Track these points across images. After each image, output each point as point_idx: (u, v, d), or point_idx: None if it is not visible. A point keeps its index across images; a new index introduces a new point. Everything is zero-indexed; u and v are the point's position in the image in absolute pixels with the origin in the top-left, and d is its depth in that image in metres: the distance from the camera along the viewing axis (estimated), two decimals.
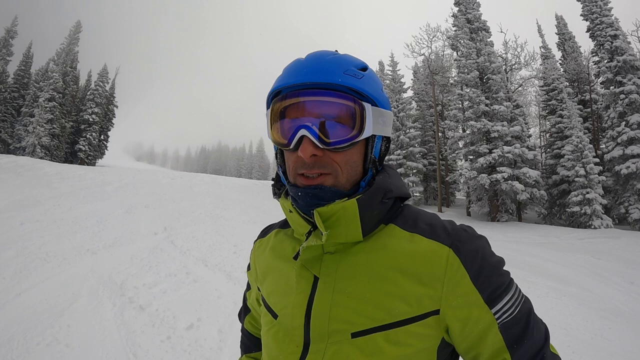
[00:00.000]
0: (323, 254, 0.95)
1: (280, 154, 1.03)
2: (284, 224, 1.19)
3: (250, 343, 1.40)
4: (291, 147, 0.91)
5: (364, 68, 0.97)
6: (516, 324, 0.86)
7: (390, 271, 0.88)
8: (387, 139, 1.04)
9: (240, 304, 1.46)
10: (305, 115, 0.89)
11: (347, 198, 0.91)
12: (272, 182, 1.08)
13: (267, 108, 0.99)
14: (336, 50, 1.02)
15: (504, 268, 0.92)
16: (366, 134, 0.90)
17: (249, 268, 1.31)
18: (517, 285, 0.92)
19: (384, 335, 0.86)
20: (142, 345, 4.53)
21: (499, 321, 0.85)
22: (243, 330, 1.44)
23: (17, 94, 44.51)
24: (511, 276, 0.93)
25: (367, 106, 0.90)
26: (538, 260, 10.69)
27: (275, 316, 1.01)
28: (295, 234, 1.07)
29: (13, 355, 4.12)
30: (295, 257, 0.96)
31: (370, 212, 0.92)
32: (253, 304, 1.34)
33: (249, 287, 1.36)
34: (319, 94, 0.88)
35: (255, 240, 1.28)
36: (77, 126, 46.04)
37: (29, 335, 4.52)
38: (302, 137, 0.88)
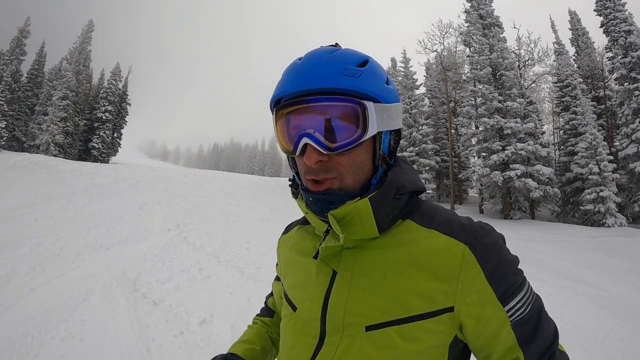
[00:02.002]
0: (342, 249, 0.96)
1: (292, 158, 1.03)
2: (305, 221, 1.20)
3: (264, 311, 1.48)
4: (297, 154, 0.92)
5: (364, 62, 0.94)
6: (528, 321, 0.87)
7: (406, 266, 0.89)
8: (397, 132, 1.02)
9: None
10: (306, 122, 0.90)
11: (359, 198, 0.92)
12: (290, 183, 1.09)
13: (272, 114, 1.00)
14: (336, 44, 1.00)
15: (518, 266, 0.92)
16: (370, 133, 0.89)
17: (277, 264, 1.34)
18: (529, 283, 0.92)
19: (398, 330, 0.86)
20: (156, 340, 4.58)
21: (511, 319, 0.86)
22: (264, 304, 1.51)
23: (30, 93, 45.01)
24: (524, 274, 0.93)
25: (369, 105, 0.89)
26: (551, 259, 10.62)
27: (294, 309, 1.04)
28: (315, 231, 1.08)
29: (28, 349, 4.19)
30: (315, 257, 0.98)
31: (384, 209, 0.93)
32: (277, 293, 1.38)
33: (277, 279, 1.38)
34: (318, 100, 0.88)
35: (280, 237, 1.31)
36: (90, 124, 46.49)
37: (43, 329, 4.59)
38: (306, 144, 0.89)
